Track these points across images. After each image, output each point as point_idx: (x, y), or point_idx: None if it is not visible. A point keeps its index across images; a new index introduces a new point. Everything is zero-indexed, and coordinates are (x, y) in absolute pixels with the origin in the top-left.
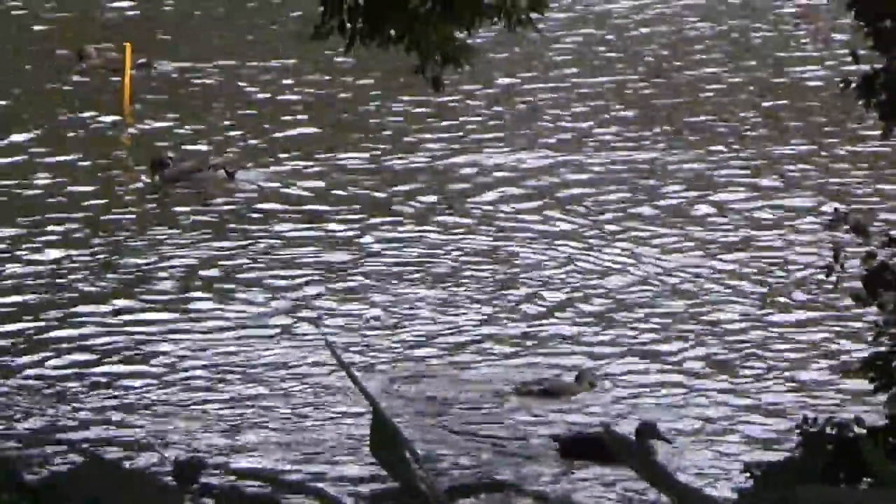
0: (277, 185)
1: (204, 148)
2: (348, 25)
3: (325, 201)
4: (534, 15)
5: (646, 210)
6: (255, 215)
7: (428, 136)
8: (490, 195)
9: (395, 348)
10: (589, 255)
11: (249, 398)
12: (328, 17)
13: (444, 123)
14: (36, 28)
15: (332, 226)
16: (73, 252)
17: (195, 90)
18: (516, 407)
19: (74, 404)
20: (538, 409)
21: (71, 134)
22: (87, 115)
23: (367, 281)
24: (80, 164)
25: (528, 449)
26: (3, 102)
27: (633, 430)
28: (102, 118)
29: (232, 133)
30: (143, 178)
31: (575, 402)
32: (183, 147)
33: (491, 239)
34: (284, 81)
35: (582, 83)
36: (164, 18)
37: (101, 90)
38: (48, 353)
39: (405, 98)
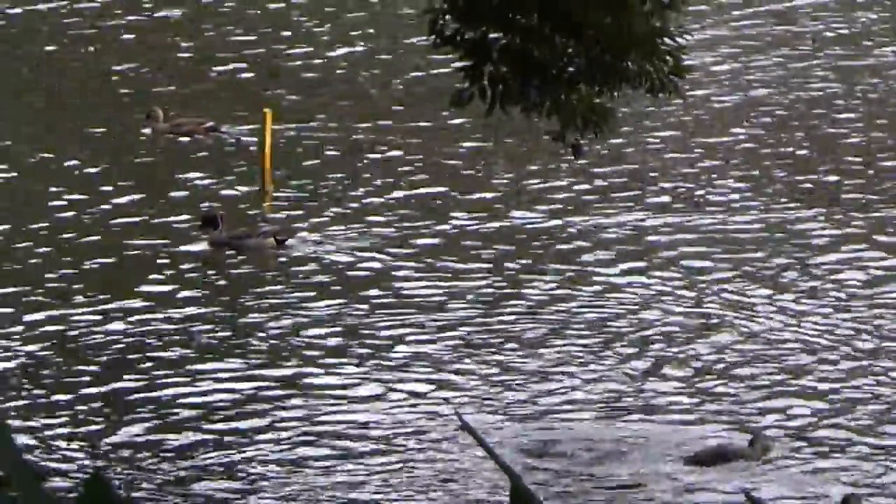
0: (329, 251)
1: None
2: (489, 91)
3: (421, 265)
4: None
5: (783, 271)
6: (330, 283)
7: (535, 196)
8: (603, 255)
9: (530, 416)
10: (715, 317)
11: (372, 468)
12: (469, 83)
13: (553, 184)
14: (124, 91)
15: (433, 288)
16: (189, 313)
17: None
18: (685, 474)
19: (186, 462)
20: (711, 477)
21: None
22: (209, 182)
23: (486, 346)
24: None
25: None
26: (93, 169)
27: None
28: (235, 188)
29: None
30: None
31: (751, 469)
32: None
33: (608, 301)
34: (386, 142)
35: (698, 143)
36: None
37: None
38: (167, 412)
39: (511, 157)
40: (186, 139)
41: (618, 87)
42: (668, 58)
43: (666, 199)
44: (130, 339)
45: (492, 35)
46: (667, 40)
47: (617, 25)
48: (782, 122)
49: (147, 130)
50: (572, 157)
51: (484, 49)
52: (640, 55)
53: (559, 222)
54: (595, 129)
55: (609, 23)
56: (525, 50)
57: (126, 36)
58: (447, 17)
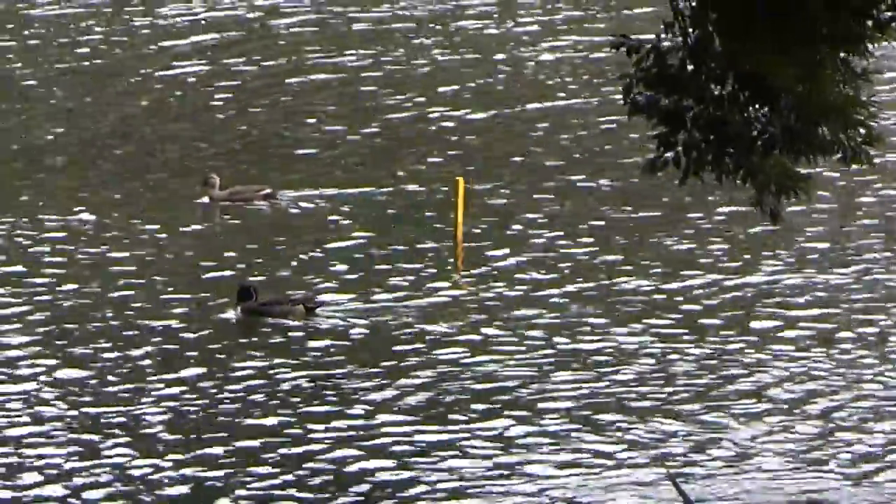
0: (366, 320)
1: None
2: (683, 159)
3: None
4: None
5: None
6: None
7: (695, 257)
8: (785, 317)
9: (732, 475)
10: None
11: None
12: (663, 151)
13: (715, 247)
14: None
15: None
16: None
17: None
18: None
19: None
20: None
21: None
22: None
23: (671, 403)
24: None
25: None
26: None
27: None
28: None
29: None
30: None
31: None
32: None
33: (783, 359)
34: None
35: (859, 203)
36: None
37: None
38: (322, 474)
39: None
40: (243, 203)
41: (813, 154)
42: (860, 128)
43: (830, 259)
44: (261, 397)
45: (685, 103)
46: (860, 109)
47: (810, 93)
48: None
49: (204, 199)
50: (770, 223)
51: (678, 117)
52: (834, 124)
53: (733, 282)
54: (791, 196)
55: (802, 91)
56: (719, 118)
57: (261, 101)
58: (640, 84)
